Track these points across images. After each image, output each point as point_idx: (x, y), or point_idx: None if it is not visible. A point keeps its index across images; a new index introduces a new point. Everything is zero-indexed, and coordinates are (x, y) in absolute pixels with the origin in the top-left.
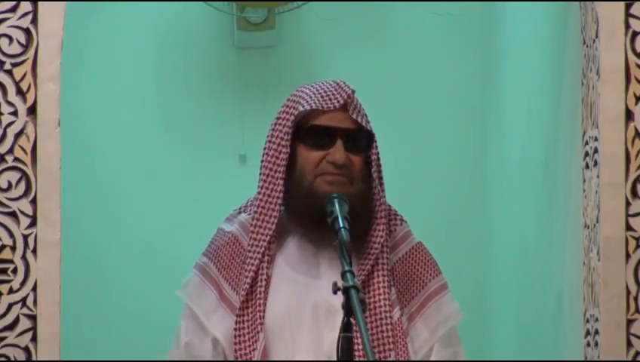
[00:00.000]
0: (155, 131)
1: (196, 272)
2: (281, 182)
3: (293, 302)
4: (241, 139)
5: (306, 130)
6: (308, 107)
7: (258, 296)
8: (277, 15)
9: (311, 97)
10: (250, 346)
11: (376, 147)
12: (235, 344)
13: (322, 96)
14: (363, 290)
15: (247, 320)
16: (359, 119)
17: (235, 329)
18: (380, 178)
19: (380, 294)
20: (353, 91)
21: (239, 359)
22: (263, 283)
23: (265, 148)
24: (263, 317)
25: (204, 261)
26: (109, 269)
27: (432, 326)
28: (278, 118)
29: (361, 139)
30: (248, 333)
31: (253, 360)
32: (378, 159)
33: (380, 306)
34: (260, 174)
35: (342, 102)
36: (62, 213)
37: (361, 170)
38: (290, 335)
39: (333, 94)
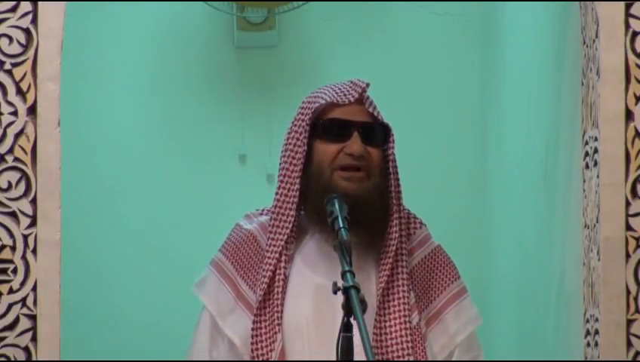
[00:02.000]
0: (154, 131)
1: (212, 269)
2: (298, 180)
3: (312, 303)
4: (241, 139)
5: (323, 124)
6: (323, 101)
7: (275, 296)
8: (277, 15)
9: (326, 93)
10: (267, 346)
11: (393, 141)
12: (252, 344)
13: (337, 92)
14: (386, 293)
15: (265, 320)
16: (375, 113)
17: (253, 330)
18: (396, 173)
19: (400, 298)
20: (368, 85)
21: (256, 359)
22: (281, 283)
23: (282, 152)
24: (281, 318)
25: (220, 258)
26: (109, 269)
27: (451, 332)
28: (294, 120)
29: (377, 133)
30: (265, 333)
31: (270, 361)
32: (394, 154)
33: (400, 310)
34: (278, 176)
35: (356, 96)
36: (62, 213)
37: (378, 163)
38: (307, 336)
39: (348, 90)
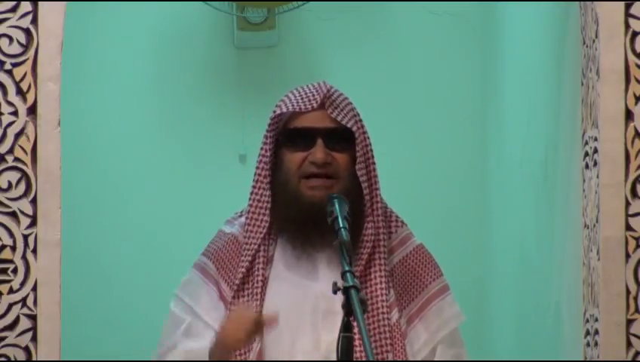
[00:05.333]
0: (155, 131)
1: (195, 271)
2: (269, 186)
3: (292, 303)
4: (241, 139)
5: (287, 133)
6: (285, 109)
7: (255, 296)
8: (277, 15)
9: (290, 100)
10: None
11: (366, 144)
12: None
13: (302, 98)
14: (363, 293)
15: None
16: (339, 117)
17: None
18: (369, 174)
19: (377, 296)
20: (330, 89)
21: (233, 359)
22: (259, 283)
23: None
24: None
25: (204, 261)
26: (109, 269)
27: (433, 329)
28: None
29: (343, 137)
30: None
31: (248, 360)
32: (366, 156)
33: (378, 307)
34: (252, 182)
35: (319, 101)
36: (62, 213)
37: (347, 167)
38: (288, 336)
39: (312, 94)
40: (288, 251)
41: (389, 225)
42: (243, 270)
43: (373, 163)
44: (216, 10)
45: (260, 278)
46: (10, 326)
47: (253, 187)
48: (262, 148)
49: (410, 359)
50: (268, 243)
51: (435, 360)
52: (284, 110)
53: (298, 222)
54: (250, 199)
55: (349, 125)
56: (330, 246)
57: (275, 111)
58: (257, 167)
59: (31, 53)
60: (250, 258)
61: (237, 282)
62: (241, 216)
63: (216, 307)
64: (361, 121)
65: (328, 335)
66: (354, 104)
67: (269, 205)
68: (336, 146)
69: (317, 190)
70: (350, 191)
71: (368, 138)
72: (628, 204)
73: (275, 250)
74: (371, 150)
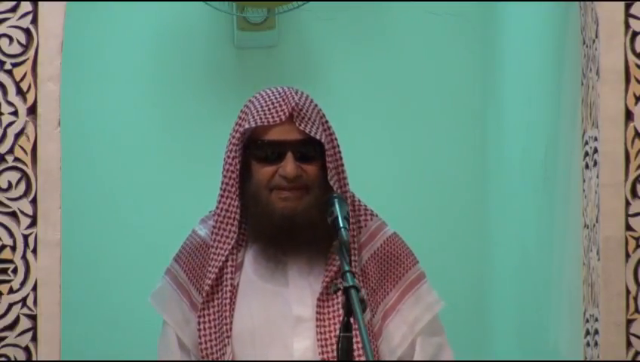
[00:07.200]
0: (154, 131)
1: (168, 280)
2: (237, 197)
3: (263, 312)
4: None
5: (256, 146)
6: (253, 124)
7: (224, 307)
8: (277, 15)
9: (257, 111)
10: (217, 359)
11: (336, 150)
12: (203, 357)
13: (269, 109)
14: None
15: (215, 332)
16: (307, 129)
17: (201, 343)
18: (339, 176)
19: None
20: (299, 101)
21: None
22: (228, 294)
23: (223, 164)
24: (230, 330)
25: (175, 267)
26: (109, 269)
27: (411, 320)
28: (231, 131)
29: (312, 148)
30: (216, 346)
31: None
32: (336, 163)
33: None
34: (219, 189)
35: (287, 114)
36: (62, 213)
37: (317, 177)
38: (260, 345)
39: (280, 106)
40: (259, 258)
41: (359, 220)
42: (209, 282)
43: (342, 165)
44: (216, 10)
45: (228, 288)
46: (10, 326)
47: (221, 196)
48: (228, 157)
49: (385, 358)
50: (237, 251)
51: (415, 354)
52: (252, 124)
53: (270, 233)
54: (217, 208)
55: (317, 137)
56: (300, 254)
57: (239, 124)
58: (225, 176)
59: (31, 53)
60: (217, 269)
61: (205, 290)
62: (213, 215)
63: (187, 321)
64: (329, 126)
65: (300, 343)
66: (319, 106)
67: (237, 216)
68: (306, 157)
69: (288, 201)
70: (320, 200)
71: (336, 140)
72: (628, 204)
73: (244, 257)
74: (339, 152)
